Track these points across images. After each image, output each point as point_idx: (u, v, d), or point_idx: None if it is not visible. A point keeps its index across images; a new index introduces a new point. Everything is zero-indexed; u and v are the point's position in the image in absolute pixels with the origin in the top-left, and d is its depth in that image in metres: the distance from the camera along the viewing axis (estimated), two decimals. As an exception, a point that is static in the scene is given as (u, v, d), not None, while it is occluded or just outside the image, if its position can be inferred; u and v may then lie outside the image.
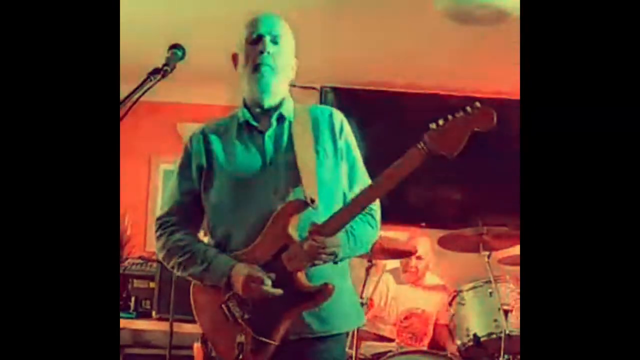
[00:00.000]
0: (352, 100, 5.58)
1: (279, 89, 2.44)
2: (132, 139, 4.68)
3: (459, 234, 4.24)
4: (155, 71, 2.11)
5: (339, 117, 2.51)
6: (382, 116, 5.50)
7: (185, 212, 2.49)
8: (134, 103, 1.97)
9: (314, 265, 2.29)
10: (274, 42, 2.41)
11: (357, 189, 2.46)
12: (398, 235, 5.03)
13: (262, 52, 2.38)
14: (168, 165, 5.92)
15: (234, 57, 2.48)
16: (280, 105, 2.46)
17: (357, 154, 2.52)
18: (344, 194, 2.46)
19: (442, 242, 4.40)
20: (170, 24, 4.25)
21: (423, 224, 5.53)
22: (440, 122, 2.22)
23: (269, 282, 2.27)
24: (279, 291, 2.27)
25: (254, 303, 2.31)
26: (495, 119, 2.18)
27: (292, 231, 2.30)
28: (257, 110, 2.45)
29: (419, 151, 2.22)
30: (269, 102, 2.43)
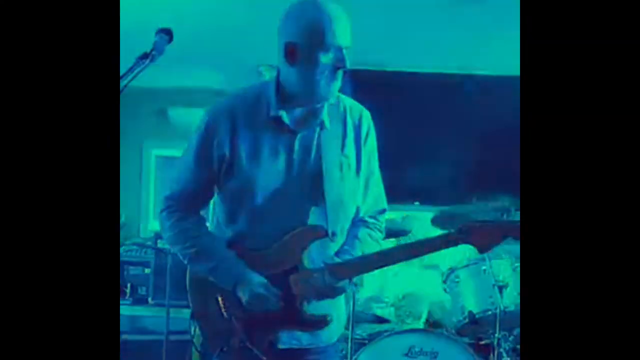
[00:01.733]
0: (349, 81, 5.55)
1: None
2: (123, 124, 4.65)
3: (453, 212, 4.24)
4: (144, 56, 2.08)
5: (367, 120, 2.43)
6: (379, 97, 5.46)
7: (197, 197, 2.42)
8: (123, 89, 1.96)
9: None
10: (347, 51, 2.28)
11: (370, 202, 2.48)
12: (392, 214, 5.02)
13: (341, 68, 2.27)
14: (161, 151, 5.91)
15: (290, 46, 2.26)
16: (322, 108, 2.35)
17: (376, 163, 2.49)
18: (358, 207, 2.44)
19: (436, 221, 4.40)
20: (161, 7, 4.22)
21: (417, 203, 5.53)
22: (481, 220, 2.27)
23: (274, 301, 2.30)
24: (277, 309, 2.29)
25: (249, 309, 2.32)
26: None
27: (306, 258, 2.30)
28: (298, 110, 2.34)
29: (454, 239, 2.26)
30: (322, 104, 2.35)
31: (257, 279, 2.31)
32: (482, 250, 2.25)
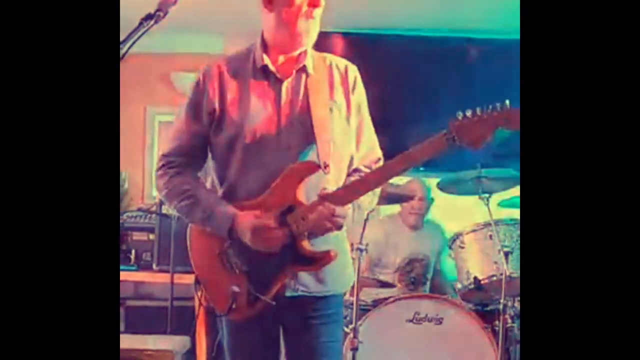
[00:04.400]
0: (340, 44, 5.51)
1: None
2: (126, 90, 4.64)
3: (458, 177, 4.23)
4: (148, 17, 2.06)
5: (353, 72, 2.47)
6: (379, 61, 5.42)
7: (192, 154, 2.44)
8: (127, 51, 1.93)
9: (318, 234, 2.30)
10: None
11: (363, 150, 2.48)
12: (396, 179, 4.99)
13: (317, 7, 2.30)
14: (164, 117, 5.89)
15: None
16: (305, 53, 2.39)
17: (367, 113, 2.50)
18: (352, 157, 2.46)
19: (441, 186, 4.40)
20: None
21: (421, 168, 5.51)
22: (468, 113, 2.18)
23: (278, 231, 2.27)
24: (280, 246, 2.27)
25: (251, 256, 2.31)
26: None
27: (301, 194, 2.30)
28: (281, 58, 2.38)
29: (444, 139, 2.20)
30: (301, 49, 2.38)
31: (254, 215, 2.30)
32: (474, 146, 2.20)
